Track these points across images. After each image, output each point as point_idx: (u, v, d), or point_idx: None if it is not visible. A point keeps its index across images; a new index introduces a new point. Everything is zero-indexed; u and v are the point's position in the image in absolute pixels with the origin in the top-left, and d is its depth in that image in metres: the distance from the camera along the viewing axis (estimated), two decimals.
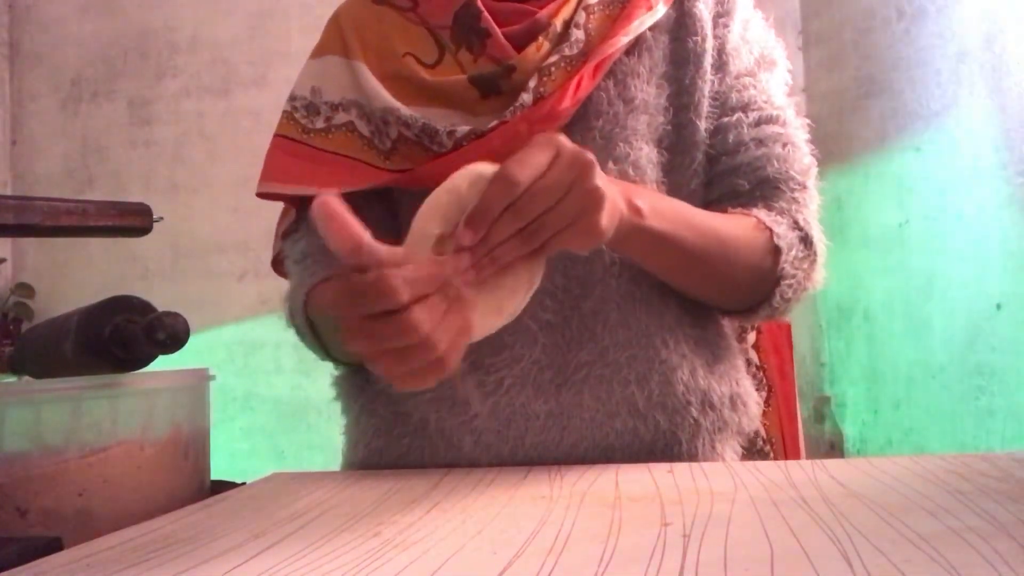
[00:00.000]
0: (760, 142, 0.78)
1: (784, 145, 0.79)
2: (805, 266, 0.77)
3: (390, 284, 0.51)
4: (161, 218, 0.85)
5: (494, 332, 0.60)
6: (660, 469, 0.69)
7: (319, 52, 0.85)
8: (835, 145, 2.22)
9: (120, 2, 2.87)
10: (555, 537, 0.49)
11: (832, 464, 0.66)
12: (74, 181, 2.85)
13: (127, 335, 0.70)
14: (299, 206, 0.83)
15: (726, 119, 0.79)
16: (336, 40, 0.83)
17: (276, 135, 0.84)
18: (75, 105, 2.88)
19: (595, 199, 0.56)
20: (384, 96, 0.77)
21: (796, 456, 0.90)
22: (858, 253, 2.12)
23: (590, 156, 0.56)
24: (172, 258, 2.75)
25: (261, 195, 0.83)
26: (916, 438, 2.00)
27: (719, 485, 0.61)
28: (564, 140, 0.57)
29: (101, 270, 2.77)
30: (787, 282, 0.75)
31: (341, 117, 0.80)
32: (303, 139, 0.81)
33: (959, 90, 1.83)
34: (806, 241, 0.77)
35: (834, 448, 2.29)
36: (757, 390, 0.84)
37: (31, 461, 0.63)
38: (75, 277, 2.79)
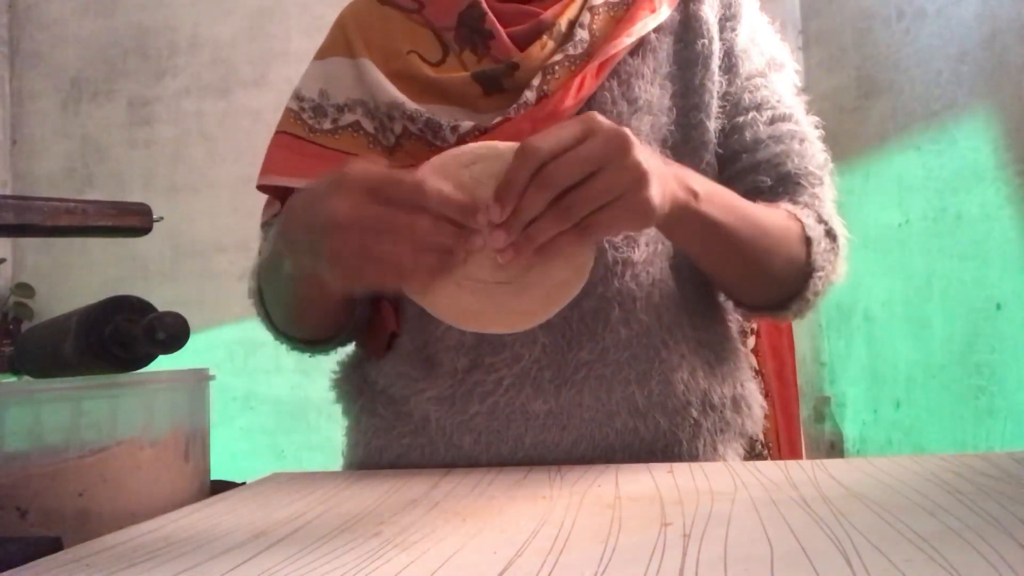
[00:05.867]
0: (777, 139, 0.79)
1: (800, 141, 0.80)
2: (831, 259, 0.77)
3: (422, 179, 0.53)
4: (161, 218, 0.85)
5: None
6: (660, 469, 0.69)
7: (324, 54, 0.85)
8: (835, 145, 2.21)
9: (120, 2, 2.87)
10: (555, 537, 0.49)
11: (832, 464, 0.66)
12: (74, 181, 2.85)
13: (127, 335, 0.70)
14: (285, 195, 0.82)
15: (740, 118, 0.80)
16: (341, 41, 0.84)
17: (280, 131, 0.84)
18: (75, 105, 2.88)
19: (638, 174, 0.55)
20: (390, 91, 0.78)
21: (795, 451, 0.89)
22: (858, 253, 2.10)
23: (628, 132, 0.55)
24: (172, 258, 2.75)
25: (261, 187, 0.83)
26: (916, 438, 2.00)
27: (719, 485, 0.61)
28: (601, 118, 0.56)
29: (101, 270, 2.77)
30: (818, 274, 0.76)
31: (347, 118, 0.81)
32: (310, 138, 0.81)
33: (959, 90, 1.83)
34: (830, 235, 0.78)
35: (834, 448, 2.29)
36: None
37: (31, 461, 0.63)
38: (75, 277, 2.79)
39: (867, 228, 2.13)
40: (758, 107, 0.80)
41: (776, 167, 0.79)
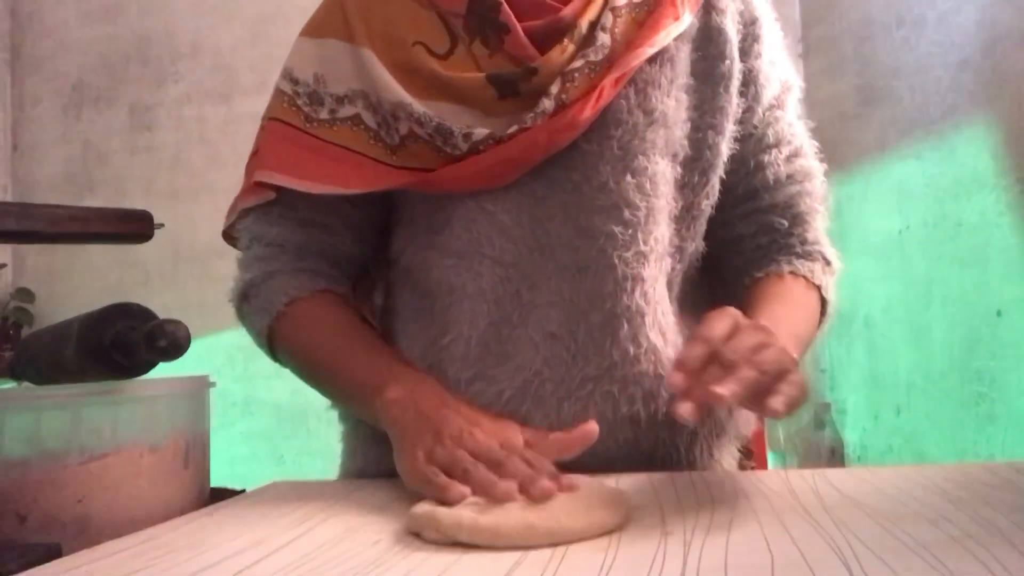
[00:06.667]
0: (792, 178, 0.81)
1: (811, 179, 0.82)
2: (833, 286, 0.83)
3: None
4: (163, 225, 0.85)
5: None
6: (661, 478, 0.69)
7: (319, 32, 0.79)
8: (835, 152, 2.22)
9: (121, 8, 2.88)
10: (555, 546, 0.49)
11: (832, 473, 0.66)
12: (75, 187, 2.85)
13: (128, 342, 0.70)
14: (280, 189, 0.78)
15: (764, 156, 0.80)
16: (339, 22, 0.78)
17: (273, 119, 0.79)
18: (76, 111, 2.88)
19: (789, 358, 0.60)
20: (395, 89, 0.73)
21: (762, 461, 0.91)
22: (858, 260, 2.12)
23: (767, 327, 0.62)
24: (173, 263, 2.75)
25: (260, 184, 0.78)
26: (916, 444, 2.00)
27: (719, 494, 0.61)
28: (743, 318, 0.62)
29: (101, 275, 2.77)
30: (829, 314, 0.82)
31: (347, 110, 0.76)
32: (306, 129, 0.77)
33: (959, 97, 1.83)
34: (830, 266, 0.82)
35: (834, 454, 2.29)
36: None
37: (31, 467, 0.63)
38: (75, 282, 2.79)
39: (867, 235, 2.14)
40: (778, 144, 0.81)
41: (791, 208, 0.81)
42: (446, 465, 0.60)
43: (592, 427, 0.64)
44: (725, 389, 0.53)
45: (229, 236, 0.86)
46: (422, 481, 0.60)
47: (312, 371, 0.80)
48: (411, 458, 0.63)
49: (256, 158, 0.80)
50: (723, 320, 0.59)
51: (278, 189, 0.78)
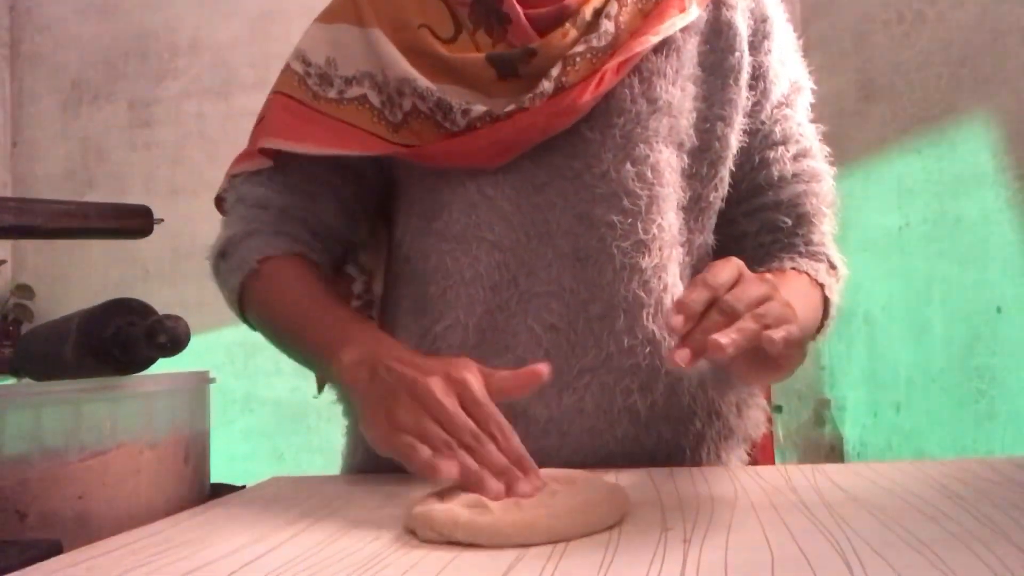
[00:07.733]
0: (799, 177, 0.81)
1: (819, 180, 0.82)
2: (838, 292, 0.82)
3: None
4: (162, 220, 0.85)
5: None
6: (661, 474, 0.69)
7: (331, 18, 0.81)
8: (835, 148, 2.21)
9: (121, 4, 2.87)
10: (555, 542, 0.49)
11: (832, 469, 0.66)
12: (74, 183, 2.85)
13: (128, 338, 0.70)
14: (276, 156, 0.79)
15: (770, 153, 0.80)
16: (350, 8, 0.80)
17: (280, 92, 0.80)
18: (75, 107, 2.88)
19: (790, 308, 0.58)
20: (402, 66, 0.75)
21: (768, 458, 0.90)
22: (858, 256, 2.11)
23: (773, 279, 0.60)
24: (172, 260, 2.75)
25: (262, 151, 0.80)
26: (916, 441, 2.00)
27: (719, 490, 0.61)
28: (747, 269, 0.60)
29: (101, 272, 2.77)
30: (829, 321, 0.81)
31: (354, 91, 0.78)
32: (313, 104, 0.78)
33: (959, 94, 1.83)
34: (835, 270, 0.82)
35: (834, 451, 2.29)
36: None
37: (31, 464, 0.63)
38: (75, 279, 2.79)
39: (867, 231, 2.14)
40: (785, 142, 0.80)
41: (795, 207, 0.81)
42: (414, 431, 0.57)
43: (541, 368, 0.60)
44: (726, 338, 0.52)
45: (221, 201, 0.85)
46: (396, 449, 0.57)
47: (278, 332, 0.79)
48: (374, 424, 0.59)
49: (261, 125, 0.81)
50: (727, 268, 0.58)
51: (273, 157, 0.79)
